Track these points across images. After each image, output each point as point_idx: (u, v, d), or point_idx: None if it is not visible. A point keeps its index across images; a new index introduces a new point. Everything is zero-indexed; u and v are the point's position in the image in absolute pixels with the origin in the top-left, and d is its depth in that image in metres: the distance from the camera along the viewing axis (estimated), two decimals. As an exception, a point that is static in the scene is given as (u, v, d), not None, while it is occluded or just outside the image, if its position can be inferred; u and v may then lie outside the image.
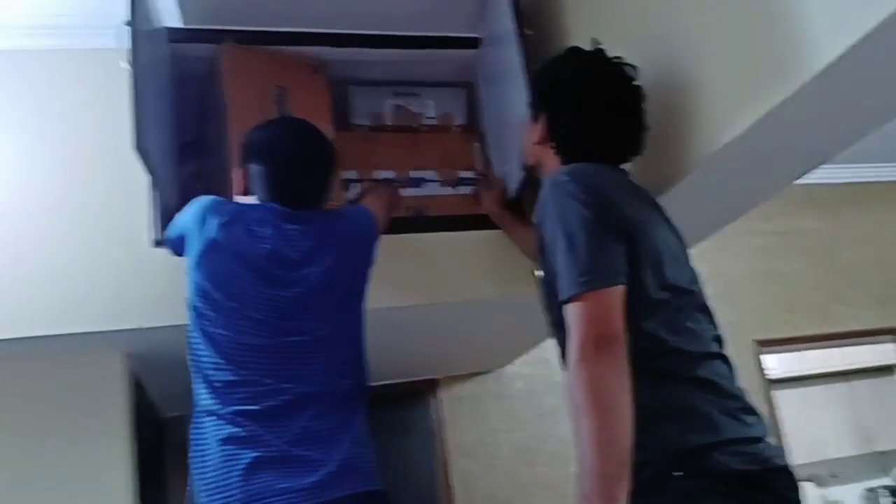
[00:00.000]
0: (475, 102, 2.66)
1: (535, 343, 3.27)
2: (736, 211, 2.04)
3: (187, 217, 1.66)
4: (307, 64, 2.30)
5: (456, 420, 3.81)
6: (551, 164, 1.57)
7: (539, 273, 1.49)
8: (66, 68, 2.30)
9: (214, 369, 1.51)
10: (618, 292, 1.26)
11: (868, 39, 1.13)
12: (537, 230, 1.42)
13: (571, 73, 1.59)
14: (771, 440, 1.37)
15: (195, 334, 1.56)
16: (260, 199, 1.67)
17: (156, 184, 1.86)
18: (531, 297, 1.64)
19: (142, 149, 1.66)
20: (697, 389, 1.30)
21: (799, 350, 5.38)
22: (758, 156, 1.60)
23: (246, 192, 1.71)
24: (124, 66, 1.71)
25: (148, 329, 2.12)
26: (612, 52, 1.64)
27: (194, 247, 1.58)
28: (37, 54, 2.30)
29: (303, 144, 1.72)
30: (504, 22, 2.19)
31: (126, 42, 1.74)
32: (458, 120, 2.67)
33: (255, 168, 1.68)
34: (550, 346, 1.58)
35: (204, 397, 1.52)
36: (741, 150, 1.52)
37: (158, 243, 2.06)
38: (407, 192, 2.35)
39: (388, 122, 2.59)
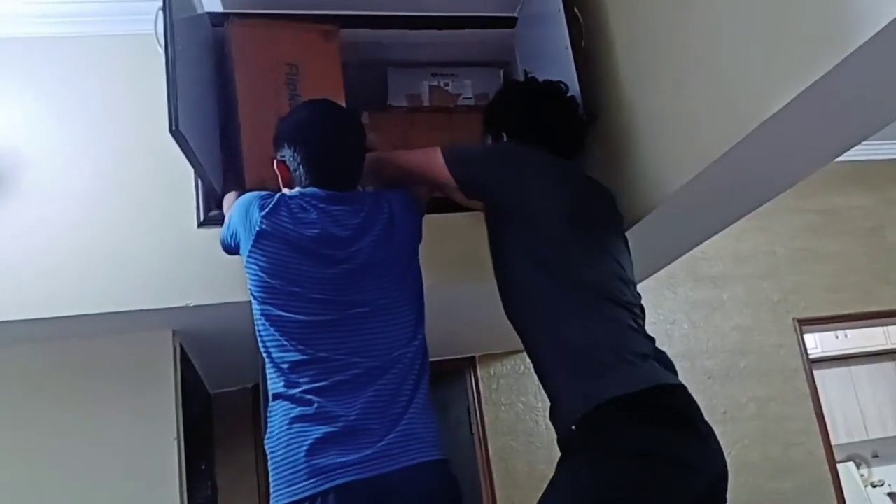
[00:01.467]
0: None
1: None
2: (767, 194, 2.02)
3: (234, 216, 1.70)
4: (318, 31, 2.24)
5: (494, 397, 3.85)
6: None
7: None
8: (117, 54, 2.35)
9: (281, 351, 1.56)
10: None
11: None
12: None
13: (529, 97, 1.93)
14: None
15: (260, 321, 1.60)
16: (302, 187, 1.69)
17: (195, 166, 1.90)
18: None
19: (177, 133, 1.70)
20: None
21: (842, 329, 5.31)
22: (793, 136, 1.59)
23: (289, 185, 1.72)
24: (160, 51, 1.75)
25: (195, 307, 2.19)
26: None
27: (245, 241, 1.63)
28: (84, 40, 2.36)
29: (336, 126, 1.74)
30: (550, 2, 2.19)
31: (161, 27, 1.78)
32: (495, 100, 2.67)
33: (293, 157, 1.69)
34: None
35: (275, 381, 1.57)
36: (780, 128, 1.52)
37: (203, 224, 2.12)
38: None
39: (426, 103, 2.61)
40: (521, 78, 2.17)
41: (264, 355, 1.59)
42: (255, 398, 3.31)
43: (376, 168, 1.85)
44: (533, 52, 2.39)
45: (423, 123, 2.56)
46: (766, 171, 1.77)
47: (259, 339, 1.60)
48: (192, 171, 2.10)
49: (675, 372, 1.59)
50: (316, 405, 1.50)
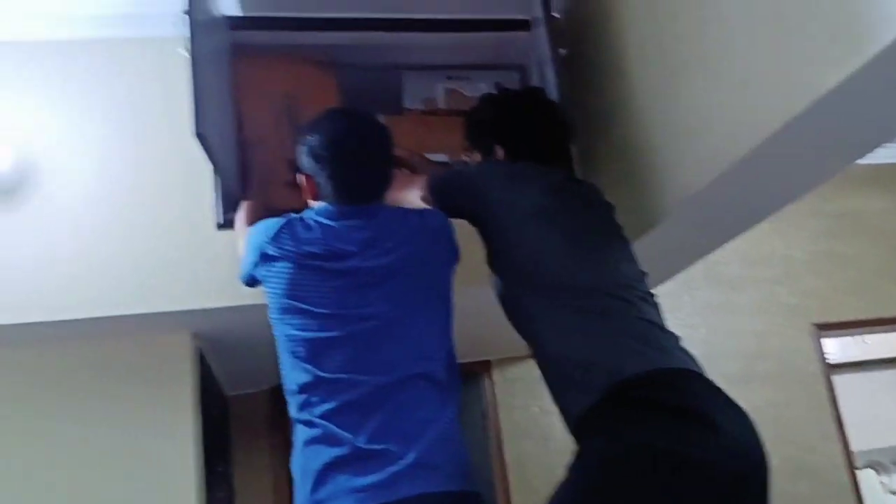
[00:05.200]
0: (528, 85, 2.66)
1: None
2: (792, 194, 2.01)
3: (249, 243, 1.70)
4: (315, 62, 2.31)
5: (509, 401, 3.84)
6: None
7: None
8: (140, 58, 2.39)
9: (294, 371, 1.55)
10: None
11: None
12: None
13: (514, 107, 1.95)
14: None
15: (280, 343, 1.59)
16: (327, 202, 1.68)
17: (216, 169, 1.92)
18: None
19: (201, 135, 1.71)
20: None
21: (860, 334, 5.25)
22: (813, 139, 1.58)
23: (315, 198, 1.71)
24: (184, 54, 1.77)
25: (213, 309, 2.20)
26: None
27: (258, 268, 1.64)
28: (109, 44, 2.40)
29: (362, 140, 1.71)
30: (535, 6, 2.24)
31: (185, 31, 1.80)
32: (511, 103, 2.67)
33: (318, 172, 1.68)
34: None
35: (291, 405, 1.56)
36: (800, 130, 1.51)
37: (222, 226, 2.13)
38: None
39: (441, 106, 2.61)
40: (496, 90, 2.20)
41: (284, 378, 1.58)
42: (273, 401, 3.32)
43: None
44: (537, 56, 2.42)
45: (439, 126, 2.56)
46: (784, 175, 1.75)
47: (280, 364, 1.59)
48: (210, 172, 2.12)
49: (693, 360, 1.54)
50: (322, 429, 1.47)
